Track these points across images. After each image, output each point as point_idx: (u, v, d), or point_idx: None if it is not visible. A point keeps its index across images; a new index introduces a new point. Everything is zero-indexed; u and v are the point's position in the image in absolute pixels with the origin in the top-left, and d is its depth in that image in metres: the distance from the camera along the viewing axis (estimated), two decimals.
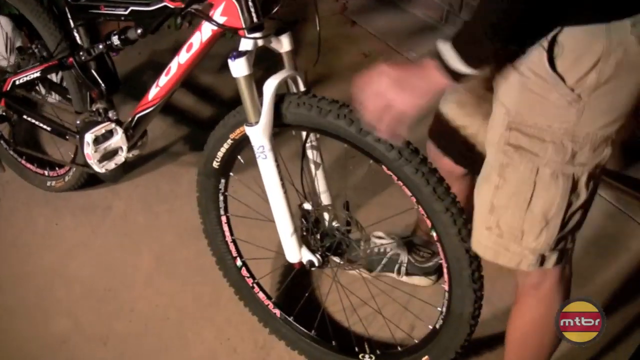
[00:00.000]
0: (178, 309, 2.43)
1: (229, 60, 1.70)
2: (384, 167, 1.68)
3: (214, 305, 2.43)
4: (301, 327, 2.23)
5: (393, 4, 4.26)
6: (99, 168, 2.31)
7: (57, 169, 2.86)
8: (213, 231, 2.21)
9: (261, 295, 2.27)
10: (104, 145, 2.28)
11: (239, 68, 1.70)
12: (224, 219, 2.19)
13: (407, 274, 2.42)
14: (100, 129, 2.26)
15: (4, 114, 2.68)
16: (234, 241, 2.24)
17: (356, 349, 2.13)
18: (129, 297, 2.47)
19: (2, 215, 2.82)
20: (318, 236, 2.01)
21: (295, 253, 1.96)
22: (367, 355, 2.11)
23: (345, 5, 4.31)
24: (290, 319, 2.24)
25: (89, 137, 2.25)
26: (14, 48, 3.02)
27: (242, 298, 2.30)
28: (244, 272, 2.26)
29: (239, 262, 2.25)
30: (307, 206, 2.00)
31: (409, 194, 1.68)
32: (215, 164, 2.02)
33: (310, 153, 1.98)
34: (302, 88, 1.86)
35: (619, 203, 2.76)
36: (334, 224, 2.03)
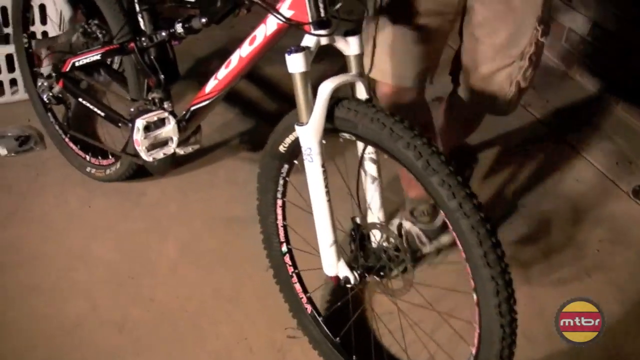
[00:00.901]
0: (197, 301, 2.36)
1: (286, 55, 1.64)
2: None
3: (234, 300, 2.36)
4: (327, 331, 2.14)
5: None
6: (146, 156, 2.24)
7: (100, 158, 2.81)
8: (266, 211, 2.14)
9: (298, 286, 2.18)
10: (154, 133, 2.22)
11: (295, 63, 1.64)
12: (279, 202, 2.11)
13: (430, 240, 2.41)
14: (152, 116, 2.21)
15: (60, 95, 2.64)
16: (284, 227, 2.16)
17: None
18: (150, 284, 2.41)
19: (36, 191, 2.79)
20: (361, 253, 1.90)
21: (332, 266, 1.86)
22: None
23: None
24: (320, 319, 2.16)
25: (139, 122, 2.19)
26: (67, 26, 3.02)
27: (278, 282, 2.23)
28: (287, 259, 2.18)
29: (284, 248, 2.17)
30: (359, 220, 1.90)
31: (459, 245, 1.58)
32: (281, 148, 1.94)
33: (367, 165, 1.87)
34: (364, 95, 1.75)
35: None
36: (384, 244, 1.89)
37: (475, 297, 1.58)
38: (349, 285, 1.88)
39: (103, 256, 2.51)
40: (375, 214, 1.91)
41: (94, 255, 2.52)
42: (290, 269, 2.18)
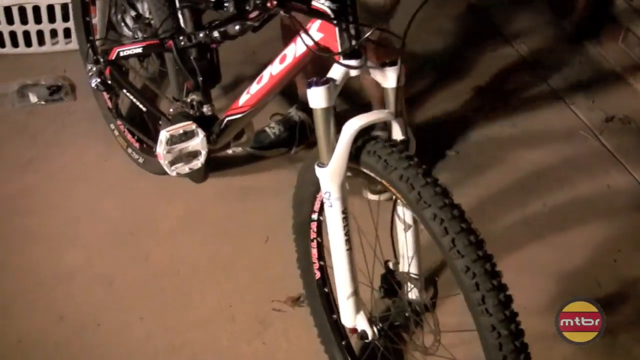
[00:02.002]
0: (191, 266, 2.36)
1: (306, 88, 1.50)
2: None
3: (226, 270, 2.35)
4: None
5: None
6: (169, 170, 2.13)
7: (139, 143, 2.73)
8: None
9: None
10: (179, 146, 2.11)
11: (316, 98, 1.50)
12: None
13: None
14: (177, 129, 2.09)
15: (109, 82, 2.54)
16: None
17: None
18: (148, 244, 2.42)
19: (59, 141, 2.83)
20: (392, 303, 1.74)
21: (350, 318, 1.72)
22: None
23: None
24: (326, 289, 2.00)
25: (163, 135, 2.08)
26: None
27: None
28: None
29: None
30: (392, 265, 1.73)
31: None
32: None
33: (400, 210, 1.65)
34: (400, 136, 1.56)
35: None
36: (412, 297, 1.71)
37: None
38: (366, 341, 1.74)
39: (109, 211, 2.54)
40: (407, 265, 1.70)
41: (101, 209, 2.54)
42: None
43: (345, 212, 1.58)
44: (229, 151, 2.28)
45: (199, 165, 2.15)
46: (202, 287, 2.28)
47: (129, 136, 2.70)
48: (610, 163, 2.91)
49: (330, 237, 1.63)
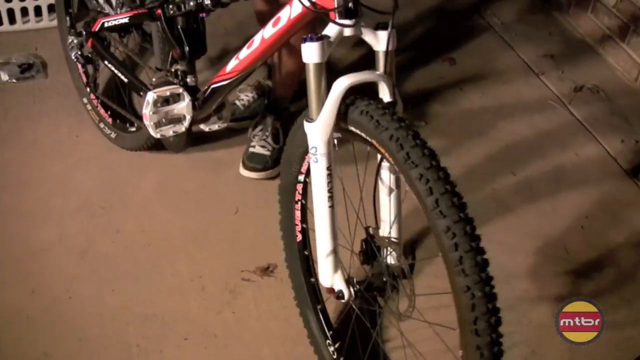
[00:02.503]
0: (162, 237, 2.37)
1: (301, 43, 1.52)
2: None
3: (198, 241, 2.37)
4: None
5: None
6: (154, 132, 2.16)
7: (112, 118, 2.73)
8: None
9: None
10: (165, 108, 2.14)
11: (309, 53, 1.52)
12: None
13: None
14: (164, 91, 2.12)
15: (90, 55, 2.55)
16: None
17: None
18: (120, 216, 2.44)
19: (31, 117, 2.83)
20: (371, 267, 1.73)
21: (328, 277, 1.74)
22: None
23: None
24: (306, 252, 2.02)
25: (150, 96, 2.11)
26: None
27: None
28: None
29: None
30: (372, 230, 1.72)
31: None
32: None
33: (384, 174, 1.67)
34: (387, 98, 1.58)
35: None
36: (390, 261, 1.70)
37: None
38: (342, 301, 1.75)
39: (81, 185, 2.55)
40: (387, 229, 1.71)
41: (73, 183, 2.55)
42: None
43: (330, 169, 1.60)
44: (205, 128, 2.28)
45: (183, 129, 2.17)
46: (173, 258, 2.30)
47: (102, 110, 2.71)
48: (579, 132, 2.95)
49: (313, 194, 1.65)
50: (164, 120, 2.15)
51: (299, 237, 1.98)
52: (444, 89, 3.11)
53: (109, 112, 2.70)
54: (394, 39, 1.55)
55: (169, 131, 2.16)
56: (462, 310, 1.36)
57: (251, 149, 2.59)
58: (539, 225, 2.47)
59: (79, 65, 2.75)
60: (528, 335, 2.08)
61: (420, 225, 2.24)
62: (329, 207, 1.64)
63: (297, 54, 2.27)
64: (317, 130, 1.56)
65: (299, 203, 1.91)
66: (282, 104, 2.68)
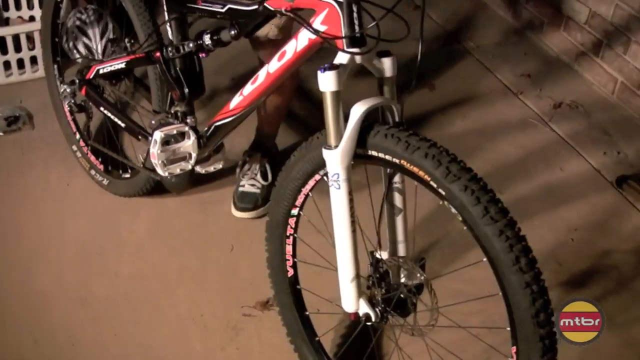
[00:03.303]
0: (161, 279, 2.39)
1: (318, 72, 1.56)
2: (467, 226, 1.48)
3: (196, 280, 2.39)
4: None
5: None
6: (162, 170, 2.15)
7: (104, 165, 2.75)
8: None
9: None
10: (172, 147, 2.14)
11: (327, 82, 1.55)
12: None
13: None
14: (171, 129, 2.13)
15: (83, 103, 2.57)
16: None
17: None
18: (117, 260, 2.46)
19: (20, 169, 2.84)
20: (383, 290, 1.78)
21: (352, 302, 1.74)
22: None
23: None
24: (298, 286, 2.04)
25: (158, 135, 2.10)
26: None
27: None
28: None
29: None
30: (380, 255, 1.79)
31: (488, 261, 1.48)
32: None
33: (393, 196, 1.74)
34: (395, 121, 1.65)
35: None
36: (404, 279, 1.78)
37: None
38: (369, 323, 1.77)
39: (75, 232, 2.56)
40: (397, 249, 1.79)
41: (67, 231, 2.57)
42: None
43: (351, 194, 1.62)
44: (202, 170, 2.27)
45: (189, 167, 2.18)
46: (172, 298, 2.32)
47: (92, 157, 2.73)
48: (562, 147, 3.01)
49: (334, 221, 1.65)
50: (171, 159, 2.16)
51: (291, 272, 1.99)
52: (426, 115, 3.15)
53: (99, 159, 2.72)
54: (396, 65, 1.62)
55: (176, 169, 2.16)
56: (520, 307, 1.43)
57: (241, 189, 2.62)
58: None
59: (67, 113, 2.79)
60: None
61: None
62: (353, 231, 1.66)
63: (283, 89, 2.32)
64: (339, 156, 1.58)
65: (291, 237, 1.93)
66: (269, 141, 2.72)
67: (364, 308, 1.75)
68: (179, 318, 2.26)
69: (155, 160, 2.13)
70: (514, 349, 1.50)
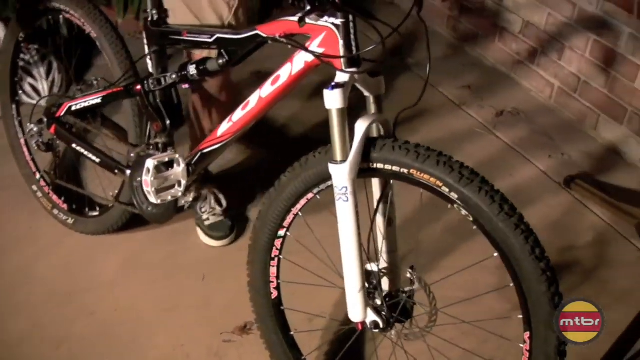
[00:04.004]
0: (137, 313, 2.41)
1: (325, 90, 1.59)
2: (478, 225, 1.58)
3: (172, 310, 2.41)
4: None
5: None
6: (154, 198, 2.15)
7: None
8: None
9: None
10: (164, 174, 2.15)
11: (334, 99, 1.59)
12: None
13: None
14: (163, 157, 2.15)
15: (50, 142, 2.55)
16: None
17: None
18: (91, 299, 2.46)
19: None
20: (380, 300, 1.84)
21: (360, 312, 1.79)
22: None
23: None
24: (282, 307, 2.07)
25: (150, 163, 2.11)
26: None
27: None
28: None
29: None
30: (371, 267, 1.84)
31: (499, 255, 1.59)
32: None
33: (383, 209, 1.81)
34: (390, 134, 1.73)
35: (603, 214, 2.83)
36: (398, 286, 1.87)
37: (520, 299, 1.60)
38: (376, 331, 1.82)
39: (44, 274, 2.56)
40: (390, 258, 1.86)
41: (36, 274, 2.56)
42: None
43: (357, 206, 1.67)
44: (182, 201, 2.29)
45: (179, 194, 2.20)
46: (151, 331, 2.34)
47: (54, 197, 2.74)
48: (509, 154, 3.13)
49: (341, 232, 1.69)
50: (162, 186, 2.17)
51: (275, 294, 2.02)
52: None
53: (62, 198, 2.72)
54: (384, 83, 1.71)
55: (167, 196, 2.17)
56: (537, 293, 1.55)
57: (207, 222, 2.66)
58: (490, 248, 2.58)
59: (26, 153, 2.79)
60: (501, 350, 2.18)
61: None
62: (359, 242, 1.71)
63: (217, 113, 2.37)
64: (347, 170, 1.63)
65: (277, 259, 1.97)
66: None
67: (371, 316, 1.81)
68: (159, 350, 2.28)
69: (149, 187, 2.14)
70: (527, 334, 1.62)
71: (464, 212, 1.59)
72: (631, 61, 2.96)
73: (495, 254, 1.59)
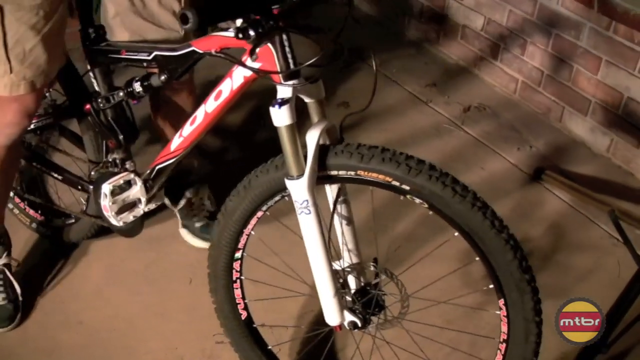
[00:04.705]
0: (126, 319, 2.41)
1: (271, 108, 1.59)
2: (435, 210, 1.61)
3: (162, 315, 2.42)
4: None
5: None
6: (116, 221, 2.17)
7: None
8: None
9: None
10: (122, 196, 2.15)
11: (281, 117, 1.59)
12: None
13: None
14: (118, 179, 2.13)
15: None
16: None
17: None
18: (78, 308, 2.45)
19: None
20: (351, 297, 1.86)
21: (337, 315, 1.81)
22: None
23: None
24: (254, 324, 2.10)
25: (106, 188, 2.11)
26: None
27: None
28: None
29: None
30: (336, 266, 1.86)
31: (460, 234, 1.62)
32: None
33: (340, 209, 1.82)
34: (336, 139, 1.74)
35: (574, 203, 2.91)
36: (364, 281, 1.90)
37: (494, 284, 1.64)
38: (356, 330, 1.84)
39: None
40: (353, 257, 1.89)
41: None
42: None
43: (319, 216, 1.68)
44: (145, 208, 2.25)
45: (141, 212, 2.20)
46: (143, 336, 2.34)
47: (31, 211, 2.71)
48: (478, 148, 3.20)
49: (307, 244, 1.71)
50: (122, 207, 2.16)
51: (244, 315, 2.05)
52: (347, 132, 3.23)
53: (39, 211, 2.70)
54: (323, 87, 1.68)
55: (129, 217, 2.18)
56: (504, 261, 1.58)
57: (198, 224, 2.67)
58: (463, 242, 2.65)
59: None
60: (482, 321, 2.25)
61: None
62: (326, 250, 1.73)
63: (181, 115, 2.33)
64: (305, 183, 1.63)
65: (238, 281, 1.99)
66: (192, 169, 2.72)
67: (349, 317, 1.83)
68: (153, 354, 2.28)
69: (108, 212, 2.14)
70: (501, 301, 1.65)
71: (417, 200, 1.61)
72: (593, 54, 3.05)
73: (456, 234, 1.62)
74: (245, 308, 2.04)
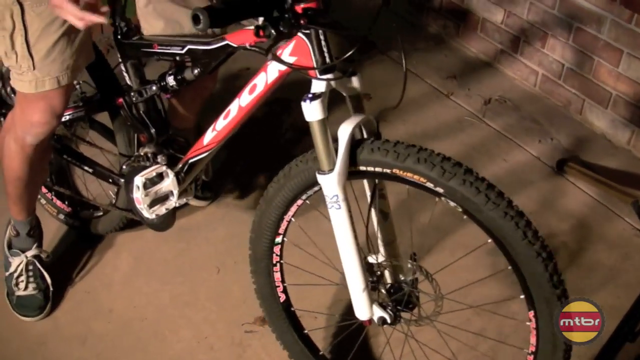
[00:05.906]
0: (156, 308, 2.45)
1: (303, 103, 1.60)
2: (468, 215, 1.60)
3: (191, 304, 2.46)
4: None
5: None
6: (148, 214, 2.16)
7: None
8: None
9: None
10: (154, 189, 2.14)
11: (313, 111, 1.60)
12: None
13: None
14: (150, 172, 2.13)
15: None
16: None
17: None
18: (108, 297, 2.49)
19: None
20: (385, 291, 1.89)
21: (367, 310, 1.82)
22: None
23: None
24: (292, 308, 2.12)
25: (138, 180, 2.10)
26: None
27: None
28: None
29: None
30: (372, 260, 1.89)
31: (493, 242, 1.61)
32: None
33: (380, 203, 1.84)
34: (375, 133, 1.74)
35: (597, 195, 2.93)
36: (401, 277, 1.91)
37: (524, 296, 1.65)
38: (385, 326, 1.86)
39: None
40: (390, 250, 1.90)
41: None
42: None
43: (350, 211, 1.70)
44: (180, 200, 2.27)
45: (173, 205, 2.21)
46: (172, 325, 2.38)
47: (58, 202, 2.74)
48: (500, 140, 3.22)
49: (338, 238, 1.72)
50: (154, 200, 2.17)
51: (283, 297, 2.07)
52: None
53: (66, 202, 2.73)
54: (361, 82, 1.69)
55: (162, 209, 2.18)
56: (535, 274, 1.57)
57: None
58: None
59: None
60: (510, 329, 2.28)
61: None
62: (357, 245, 1.74)
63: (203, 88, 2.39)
64: (336, 178, 1.64)
65: (278, 265, 2.02)
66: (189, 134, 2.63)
67: (378, 313, 1.85)
68: (184, 342, 2.32)
69: (141, 205, 2.14)
70: (531, 313, 1.65)
71: (452, 204, 1.61)
72: (614, 47, 3.06)
73: (489, 240, 1.61)
74: (284, 291, 2.07)
